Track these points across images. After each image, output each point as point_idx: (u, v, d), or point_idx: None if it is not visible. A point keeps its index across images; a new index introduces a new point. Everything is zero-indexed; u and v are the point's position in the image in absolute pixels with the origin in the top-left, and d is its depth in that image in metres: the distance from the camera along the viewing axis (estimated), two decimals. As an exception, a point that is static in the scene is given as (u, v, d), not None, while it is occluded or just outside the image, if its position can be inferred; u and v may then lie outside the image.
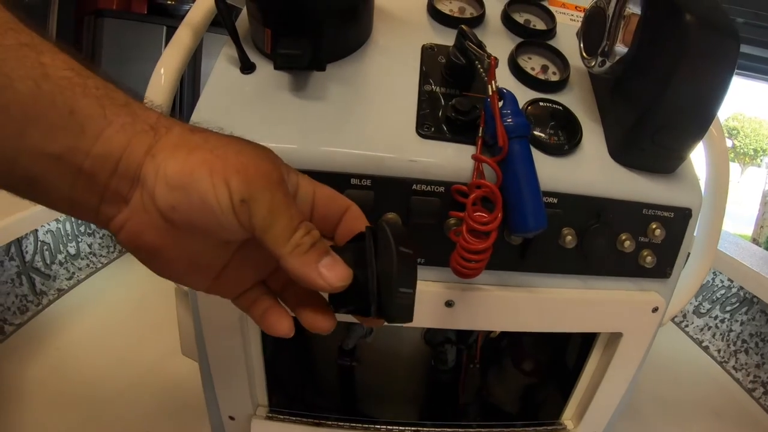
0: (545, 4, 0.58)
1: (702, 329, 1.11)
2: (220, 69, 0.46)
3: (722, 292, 1.08)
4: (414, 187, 0.41)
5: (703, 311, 1.11)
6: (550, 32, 0.55)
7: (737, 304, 1.05)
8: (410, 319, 0.28)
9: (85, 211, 0.27)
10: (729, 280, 1.06)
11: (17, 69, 0.23)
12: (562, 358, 0.65)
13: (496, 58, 0.40)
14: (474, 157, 0.40)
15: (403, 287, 0.27)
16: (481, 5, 0.54)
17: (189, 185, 0.25)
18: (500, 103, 0.40)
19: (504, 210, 0.39)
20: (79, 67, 0.25)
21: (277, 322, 0.31)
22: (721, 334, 1.07)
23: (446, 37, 0.51)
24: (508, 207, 0.39)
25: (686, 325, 1.14)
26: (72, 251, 1.01)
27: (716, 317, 1.08)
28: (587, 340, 0.57)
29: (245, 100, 0.44)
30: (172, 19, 1.98)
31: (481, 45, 0.42)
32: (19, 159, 0.24)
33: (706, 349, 1.09)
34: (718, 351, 1.07)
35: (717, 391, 0.99)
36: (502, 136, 0.38)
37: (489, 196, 0.38)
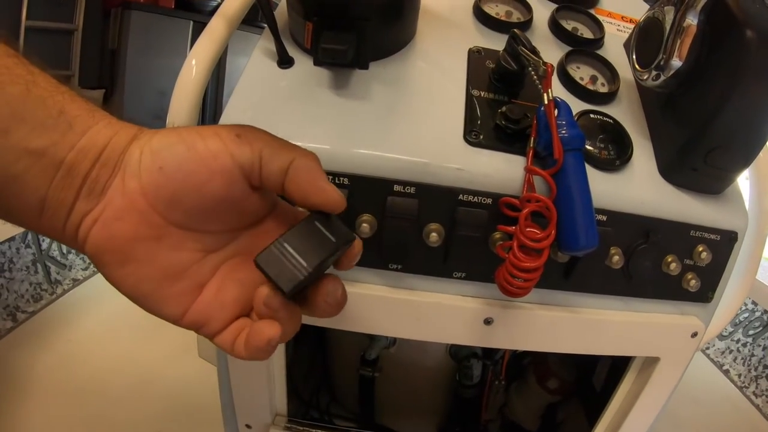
0: (593, 12, 0.55)
1: (723, 352, 1.08)
2: (256, 62, 0.44)
3: (745, 315, 1.05)
4: (460, 197, 0.38)
5: (725, 334, 1.08)
6: (599, 42, 0.52)
7: (760, 328, 1.02)
8: (285, 289, 0.27)
9: (55, 214, 0.26)
10: (753, 303, 1.03)
11: (8, 74, 0.25)
12: (588, 379, 0.63)
13: (552, 65, 0.38)
14: (527, 169, 0.38)
15: (287, 242, 0.27)
16: (529, 10, 0.51)
17: (175, 143, 0.26)
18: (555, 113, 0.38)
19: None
20: (64, 84, 0.27)
21: (261, 332, 0.27)
22: (742, 358, 1.04)
23: (493, 41, 0.49)
24: (559, 223, 0.37)
25: (707, 348, 1.11)
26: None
27: (738, 340, 1.06)
28: (617, 362, 0.55)
29: (281, 95, 0.42)
30: (199, 14, 1.98)
31: (535, 51, 0.40)
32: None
33: (726, 372, 1.06)
34: (739, 375, 1.04)
35: (736, 416, 0.96)
36: (557, 148, 0.36)
37: (542, 211, 0.36)
